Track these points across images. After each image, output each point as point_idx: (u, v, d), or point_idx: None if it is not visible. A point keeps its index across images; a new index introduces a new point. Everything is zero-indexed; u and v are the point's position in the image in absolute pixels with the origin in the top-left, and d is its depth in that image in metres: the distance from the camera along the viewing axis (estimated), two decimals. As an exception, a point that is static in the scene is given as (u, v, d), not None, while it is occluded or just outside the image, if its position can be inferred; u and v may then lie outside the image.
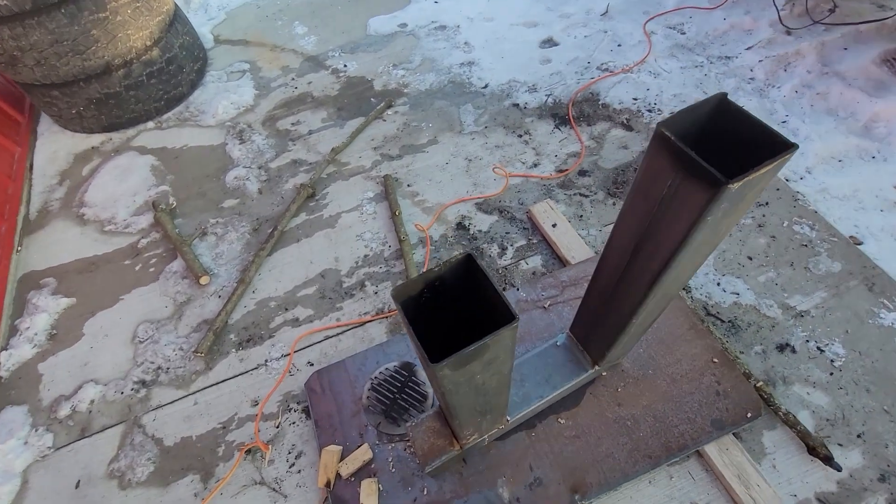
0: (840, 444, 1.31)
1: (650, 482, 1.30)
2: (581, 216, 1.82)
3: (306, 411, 1.50)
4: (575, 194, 1.89)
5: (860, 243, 1.68)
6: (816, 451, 1.26)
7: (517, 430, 1.34)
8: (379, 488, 1.31)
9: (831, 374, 1.41)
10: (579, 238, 1.71)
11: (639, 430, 1.33)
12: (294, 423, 1.49)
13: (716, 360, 1.41)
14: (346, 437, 1.40)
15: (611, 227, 1.75)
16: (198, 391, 1.57)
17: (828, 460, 1.25)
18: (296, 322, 1.68)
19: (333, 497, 1.31)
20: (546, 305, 1.56)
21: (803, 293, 1.56)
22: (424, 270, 0.82)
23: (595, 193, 1.88)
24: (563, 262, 1.70)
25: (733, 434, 1.31)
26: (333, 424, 1.42)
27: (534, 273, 1.70)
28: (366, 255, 1.82)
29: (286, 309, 1.72)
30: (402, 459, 1.35)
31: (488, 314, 0.82)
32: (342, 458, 1.36)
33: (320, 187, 2.04)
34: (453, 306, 0.90)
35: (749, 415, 1.31)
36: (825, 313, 1.52)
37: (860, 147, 1.96)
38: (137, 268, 1.88)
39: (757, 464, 1.29)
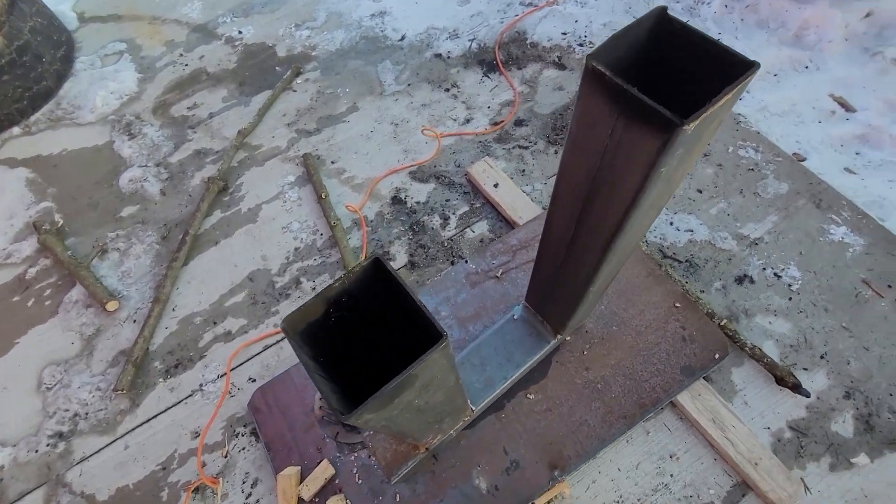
0: (805, 369, 1.30)
1: (627, 441, 1.26)
2: (523, 171, 1.69)
3: (255, 433, 1.35)
4: (514, 147, 1.74)
5: (804, 159, 1.64)
6: (784, 380, 1.25)
7: (485, 415, 1.25)
8: (347, 503, 1.20)
9: (790, 298, 1.39)
10: (524, 195, 1.58)
11: (610, 391, 1.26)
12: (244, 448, 1.33)
13: (678, 304, 1.35)
14: (303, 456, 1.27)
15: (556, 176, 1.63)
16: (127, 433, 1.38)
17: (796, 388, 1.24)
18: (228, 336, 1.49)
19: (298, 523, 1.19)
20: (499, 275, 1.44)
21: (755, 220, 1.52)
22: (330, 283, 0.66)
23: (535, 143, 1.74)
24: (510, 224, 1.58)
25: (703, 378, 1.28)
26: (287, 444, 1.28)
27: (481, 240, 1.57)
28: (296, 249, 1.62)
29: (214, 323, 1.52)
30: (367, 468, 1.24)
31: (413, 328, 0.68)
32: (302, 480, 1.23)
33: (232, 178, 1.80)
34: (373, 325, 0.75)
35: (717, 356, 1.28)
36: (778, 237, 1.48)
37: (793, 58, 1.90)
38: (30, 303, 1.61)
39: (729, 403, 1.26)
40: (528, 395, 1.27)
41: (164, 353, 1.48)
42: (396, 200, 1.67)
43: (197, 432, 1.36)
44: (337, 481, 1.23)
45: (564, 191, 0.79)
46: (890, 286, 1.38)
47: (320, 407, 1.32)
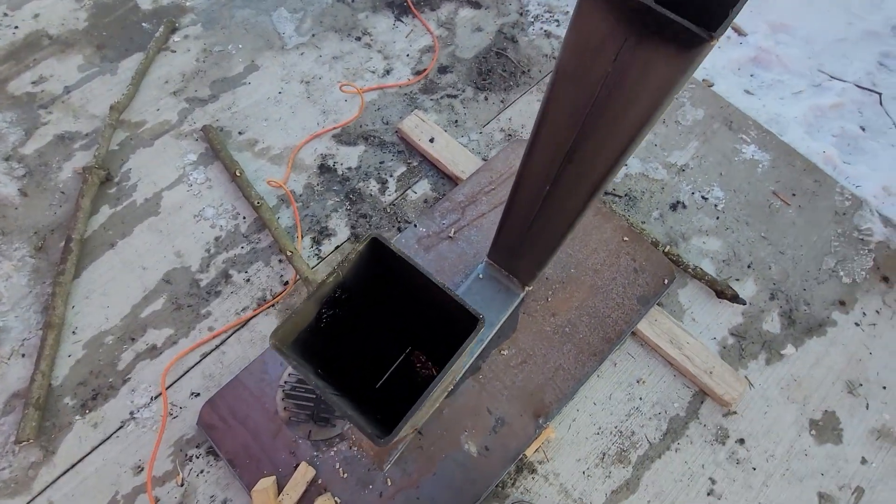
0: (737, 280, 1.43)
1: (598, 376, 1.31)
2: (456, 122, 1.60)
3: (213, 452, 1.19)
4: (442, 97, 1.63)
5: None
6: (724, 293, 1.36)
7: (463, 380, 1.22)
8: (337, 501, 1.12)
9: (717, 217, 1.50)
10: (462, 148, 1.50)
11: (578, 332, 1.29)
12: (203, 471, 1.18)
13: (626, 238, 1.40)
14: (276, 464, 1.15)
15: (492, 125, 1.56)
16: (46, 488, 1.15)
17: (734, 298, 1.36)
18: (154, 351, 1.28)
19: (285, 535, 1.10)
20: (451, 234, 1.38)
21: (679, 147, 1.60)
22: (323, 280, 0.54)
23: (463, 91, 1.65)
24: (453, 180, 1.50)
25: (657, 304, 1.35)
26: (254, 456, 1.16)
27: (426, 201, 1.48)
28: (217, 238, 1.41)
29: (132, 339, 1.29)
30: (351, 460, 1.16)
31: (418, 311, 0.60)
32: (280, 489, 1.12)
33: (115, 165, 1.49)
34: (367, 315, 0.66)
35: (666, 281, 1.35)
36: (700, 162, 1.58)
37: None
38: None
39: (681, 323, 1.36)
40: (502, 352, 1.26)
41: (73, 386, 1.23)
42: (325, 168, 1.50)
43: (140, 466, 1.17)
44: (320, 481, 1.14)
45: (548, 133, 0.73)
46: (794, 194, 1.54)
47: (285, 408, 1.20)
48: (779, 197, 1.54)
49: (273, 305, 1.34)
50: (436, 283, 0.57)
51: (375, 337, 0.77)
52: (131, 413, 1.22)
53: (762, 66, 1.86)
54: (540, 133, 0.76)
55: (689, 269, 1.39)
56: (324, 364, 0.60)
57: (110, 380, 1.25)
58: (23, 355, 1.25)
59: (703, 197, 1.53)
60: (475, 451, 1.18)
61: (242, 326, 1.32)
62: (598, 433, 1.26)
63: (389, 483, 1.14)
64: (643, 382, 1.31)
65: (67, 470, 1.16)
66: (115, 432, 1.20)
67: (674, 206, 1.51)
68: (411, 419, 0.53)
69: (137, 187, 1.46)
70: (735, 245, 1.47)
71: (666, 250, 1.40)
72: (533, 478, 1.21)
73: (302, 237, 1.41)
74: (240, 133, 1.55)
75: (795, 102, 1.75)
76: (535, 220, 0.97)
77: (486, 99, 1.63)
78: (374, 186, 1.49)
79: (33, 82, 1.59)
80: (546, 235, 0.99)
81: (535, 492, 1.20)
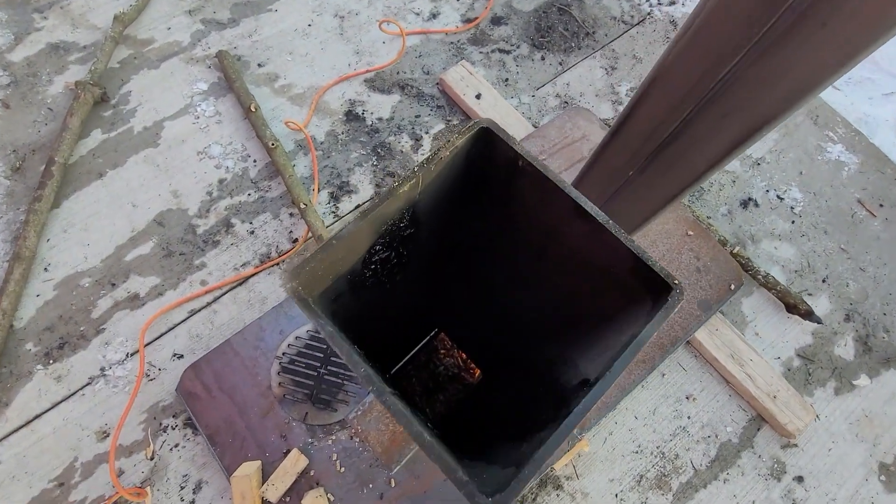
0: (809, 294, 1.24)
1: (643, 387, 1.13)
2: (506, 80, 1.40)
3: (191, 424, 1.03)
4: (493, 51, 1.43)
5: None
6: (797, 307, 1.18)
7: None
8: (329, 499, 0.95)
9: (793, 221, 1.31)
10: (512, 109, 1.31)
11: (627, 333, 1.11)
12: (177, 444, 1.01)
13: (690, 232, 1.21)
14: (263, 447, 0.98)
15: (546, 88, 1.37)
16: (-6, 444, 0.98)
17: (808, 315, 1.17)
18: (135, 301, 1.10)
19: (267, 531, 0.93)
20: (491, 206, 1.19)
21: (757, 138, 1.40)
22: (387, 189, 0.35)
23: (517, 47, 1.45)
24: (498, 145, 1.30)
25: (719, 312, 1.17)
26: (238, 435, 0.99)
27: (464, 165, 1.29)
28: (221, 181, 1.22)
29: (112, 284, 1.11)
30: (350, 453, 0.99)
31: (541, 268, 0.42)
32: (265, 478, 0.96)
33: (113, 84, 1.30)
34: (423, 272, 0.48)
35: (732, 286, 1.17)
36: (779, 156, 1.38)
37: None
38: None
39: (743, 335, 1.17)
40: (539, 346, 1.08)
41: (38, 331, 1.06)
42: (352, 116, 1.31)
43: (106, 432, 1.01)
44: (312, 473, 0.97)
45: (649, 110, 0.55)
46: (882, 205, 1.35)
47: (280, 384, 1.02)
48: (864, 206, 1.34)
49: (278, 264, 1.16)
50: (598, 217, 0.39)
51: (407, 305, 0.59)
52: (102, 369, 1.05)
53: (850, 60, 1.65)
54: (638, 109, 0.57)
55: (759, 277, 1.20)
56: (355, 336, 0.42)
57: (82, 328, 1.07)
58: (-16, 288, 1.08)
59: (778, 196, 1.33)
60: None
61: (240, 284, 1.14)
62: (636, 451, 1.08)
63: (393, 484, 0.97)
64: (693, 399, 1.13)
65: (21, 426, 1.00)
66: (80, 389, 1.03)
67: (745, 204, 1.32)
68: (549, 454, 0.34)
69: (136, 113, 1.27)
70: (810, 255, 1.28)
71: (734, 251, 1.21)
72: (558, 495, 1.04)
73: (319, 190, 1.22)
74: (259, 65, 1.35)
75: (886, 104, 1.55)
76: (605, 207, 0.79)
77: (542, 59, 1.43)
78: (406, 142, 1.30)
79: (29, -19, 1.39)
80: (653, 197, 0.80)
81: (557, 511, 1.03)
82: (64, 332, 1.07)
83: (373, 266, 0.45)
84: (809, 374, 1.18)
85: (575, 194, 0.42)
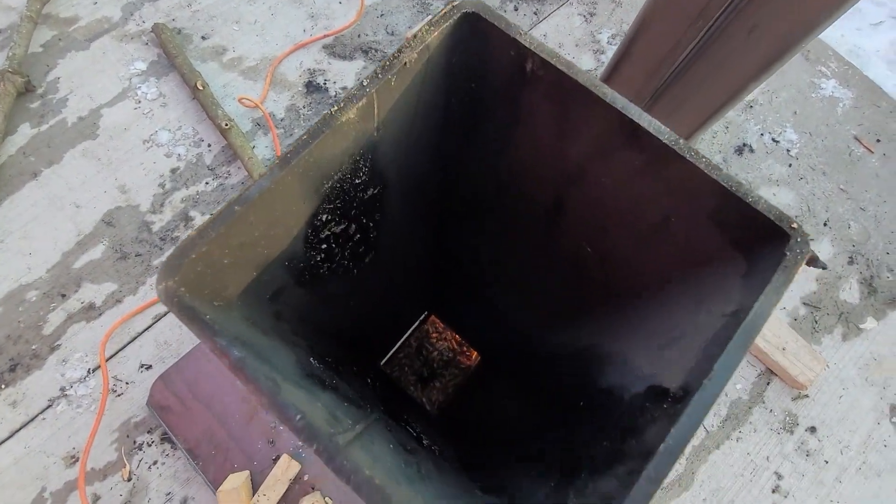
0: (812, 239, 1.19)
1: (648, 350, 1.08)
2: (479, 36, 1.28)
3: (168, 439, 0.94)
4: (462, 5, 1.31)
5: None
6: (801, 255, 1.12)
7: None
8: (328, 503, 0.89)
9: (790, 165, 1.25)
10: (489, 67, 1.20)
11: (628, 297, 1.05)
12: (156, 462, 0.93)
13: (687, 185, 1.14)
14: (250, 456, 0.90)
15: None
16: (-52, 483, 0.88)
17: (813, 261, 1.12)
18: (91, 311, 1.00)
19: (262, 545, 0.86)
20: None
21: (748, 79, 1.32)
22: (315, 125, 0.24)
23: (488, -1, 1.33)
24: (475, 108, 1.20)
25: (722, 265, 1.11)
26: (220, 445, 0.90)
27: (440, 132, 1.19)
28: (174, 170, 1.10)
29: (63, 295, 1.00)
30: (345, 451, 0.92)
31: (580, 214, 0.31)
32: (255, 489, 0.88)
33: (38, 71, 1.15)
34: (403, 242, 0.37)
35: (734, 238, 1.11)
36: (771, 97, 1.31)
37: None
38: None
39: (747, 289, 1.12)
40: (537, 320, 1.01)
41: (-16, 354, 0.95)
42: (313, 87, 1.19)
43: (74, 456, 0.91)
44: (306, 478, 0.90)
45: (640, 58, 0.45)
46: (878, 140, 1.29)
47: (261, 386, 0.93)
48: (861, 143, 1.28)
49: (247, 257, 1.06)
50: (663, 136, 0.26)
51: (388, 291, 0.49)
52: (62, 389, 0.95)
53: (836, -10, 1.56)
54: (641, 36, 0.48)
55: (760, 225, 1.15)
56: (321, 336, 0.33)
57: (34, 347, 0.97)
58: (-86, 313, 0.96)
59: (773, 139, 1.27)
60: (502, 442, 0.94)
61: (207, 282, 1.04)
62: (646, 419, 1.04)
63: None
64: (701, 359, 1.08)
65: (-24, 461, 0.90)
66: (40, 413, 0.93)
67: (739, 150, 1.25)
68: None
69: (68, 102, 1.13)
70: (809, 198, 1.23)
71: (733, 201, 1.15)
72: (568, 471, 0.99)
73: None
74: (203, 38, 1.21)
75: (875, 34, 1.48)
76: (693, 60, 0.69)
77: (515, 9, 1.32)
78: (375, 112, 1.19)
79: (-75, -42, 1.22)
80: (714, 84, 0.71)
81: (569, 488, 0.98)
82: (14, 352, 0.96)
83: (323, 246, 0.31)
84: (816, 322, 1.14)
85: (622, 104, 0.28)
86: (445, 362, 0.95)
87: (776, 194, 1.22)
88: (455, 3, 0.29)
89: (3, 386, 0.94)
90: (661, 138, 0.27)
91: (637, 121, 0.27)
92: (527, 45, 0.27)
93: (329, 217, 0.30)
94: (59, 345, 0.98)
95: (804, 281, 1.16)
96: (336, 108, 0.25)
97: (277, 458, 0.90)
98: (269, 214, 0.26)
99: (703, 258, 0.30)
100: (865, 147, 1.28)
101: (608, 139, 0.29)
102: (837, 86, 1.33)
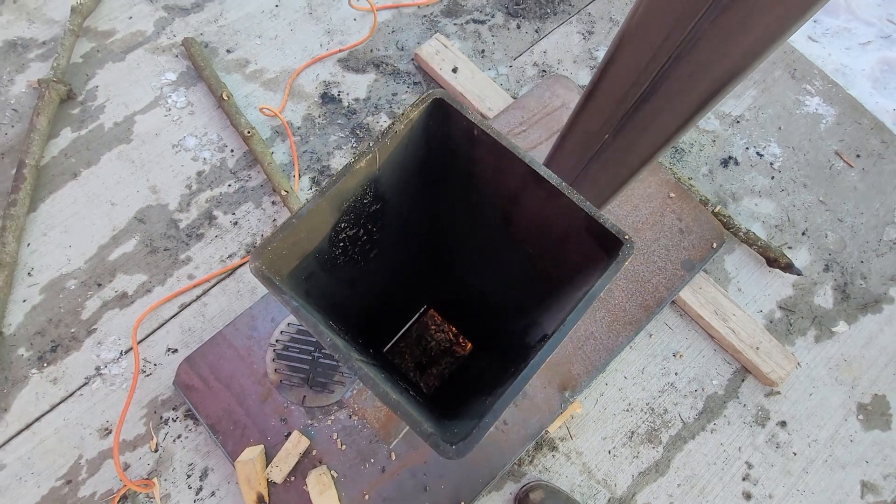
0: (790, 247, 1.27)
1: (631, 348, 1.17)
2: (483, 52, 1.38)
3: (191, 415, 1.05)
4: (468, 22, 1.40)
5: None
6: (777, 261, 1.21)
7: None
8: (333, 475, 0.99)
9: (772, 177, 1.33)
10: (490, 82, 1.29)
11: (612, 298, 1.14)
12: (180, 436, 1.03)
13: (672, 194, 1.22)
14: (265, 432, 1.01)
15: (524, 57, 1.35)
16: (-2, 449, 1.00)
17: (788, 268, 1.20)
18: (124, 299, 1.10)
19: (275, 511, 0.96)
20: (473, 180, 1.19)
21: (735, 96, 1.40)
22: (346, 166, 0.36)
23: (492, 16, 1.42)
24: (477, 119, 1.30)
25: (702, 271, 1.19)
26: (238, 422, 1.01)
27: (444, 141, 1.28)
28: (200, 173, 1.21)
29: (99, 285, 1.11)
30: (350, 430, 1.02)
31: (505, 233, 0.43)
32: (269, 461, 0.98)
33: (78, 81, 1.26)
34: (397, 248, 0.49)
35: (714, 245, 1.19)
36: (758, 113, 1.39)
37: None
38: None
39: (726, 292, 1.20)
40: (528, 316, 1.10)
41: (29, 336, 1.06)
42: (328, 98, 1.29)
43: (108, 428, 1.02)
44: (314, 452, 1.00)
45: (618, 73, 0.54)
46: (858, 155, 1.37)
47: (275, 370, 1.04)
48: (842, 157, 1.36)
49: (264, 253, 1.16)
50: (552, 181, 0.40)
51: (390, 284, 0.60)
52: (97, 368, 1.06)
53: (827, 10, 1.64)
54: (608, 72, 0.57)
55: (740, 234, 1.23)
56: (330, 315, 0.43)
57: (73, 330, 1.08)
58: (-31, 297, 1.07)
59: (758, 153, 1.35)
60: (492, 426, 1.04)
61: (228, 276, 1.14)
62: (627, 410, 1.12)
63: (394, 457, 1.01)
64: (680, 356, 1.17)
65: (23, 430, 1.01)
66: (78, 389, 1.04)
67: (725, 162, 1.33)
68: (506, 405, 0.37)
69: (105, 108, 1.24)
70: (790, 209, 1.31)
71: (715, 211, 1.23)
72: (553, 455, 1.08)
73: (299, 176, 1.21)
74: (228, 51, 1.32)
75: (862, 54, 1.55)
76: (584, 172, 0.79)
77: (518, 27, 1.41)
78: (384, 121, 1.28)
79: (-22, -25, 1.33)
80: (593, 192, 0.82)
81: (554, 471, 1.07)
82: (55, 335, 1.07)
83: (341, 244, 0.45)
84: (791, 325, 1.22)
85: (529, 159, 0.42)
86: (442, 351, 1.05)
87: (758, 205, 1.30)
88: (430, 92, 0.39)
89: (45, 364, 1.05)
90: (551, 181, 0.38)
91: (538, 170, 0.38)
92: (473, 120, 0.38)
93: (345, 225, 0.41)
94: (95, 329, 1.08)
95: (781, 286, 1.24)
96: (353, 159, 0.36)
97: (289, 434, 1.00)
98: (309, 224, 0.37)
99: (587, 257, 0.41)
100: (846, 162, 1.36)
101: (524, 179, 0.40)
102: (821, 103, 1.40)
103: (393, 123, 0.39)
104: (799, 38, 1.51)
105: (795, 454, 1.12)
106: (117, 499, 0.98)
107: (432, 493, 0.98)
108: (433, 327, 1.04)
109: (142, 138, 1.23)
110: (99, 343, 1.07)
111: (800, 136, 1.37)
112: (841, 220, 1.31)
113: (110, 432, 1.02)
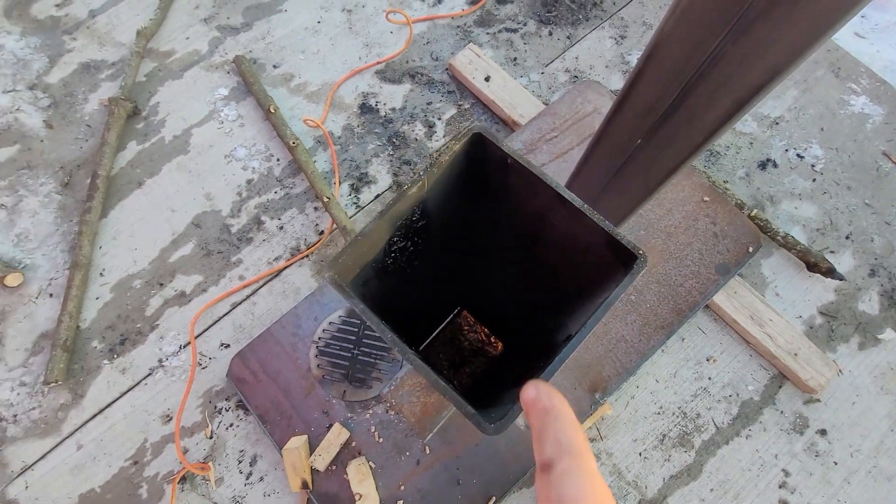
0: (832, 251, 1.24)
1: (663, 351, 1.17)
2: (515, 59, 1.41)
3: (242, 406, 1.13)
4: (500, 31, 1.44)
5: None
6: (818, 266, 1.18)
7: (515, 347, 1.10)
8: (371, 466, 1.05)
9: (814, 179, 1.30)
10: (522, 89, 1.33)
11: (644, 301, 1.15)
12: (232, 424, 1.12)
13: (706, 198, 1.22)
14: (308, 423, 1.08)
15: (556, 64, 1.38)
16: (75, 431, 1.11)
17: (830, 272, 1.17)
18: (182, 298, 1.21)
19: (317, 497, 1.03)
20: (505, 186, 1.22)
21: (774, 97, 1.37)
22: (400, 191, 0.42)
23: (524, 24, 1.45)
24: (509, 126, 1.33)
25: (738, 275, 1.18)
26: (285, 413, 1.08)
27: (477, 148, 1.32)
28: (249, 181, 1.30)
29: (161, 284, 1.22)
30: (387, 424, 1.08)
31: (534, 247, 0.48)
32: (312, 450, 1.05)
33: (142, 98, 1.38)
34: (438, 256, 0.54)
35: (750, 249, 1.18)
36: (798, 114, 1.36)
37: None
38: None
39: (763, 297, 1.19)
40: (558, 319, 1.13)
41: (101, 330, 1.18)
42: (366, 108, 1.36)
43: (168, 416, 1.12)
44: (354, 444, 1.06)
45: (651, 80, 0.57)
46: (908, 156, 1.31)
47: (318, 366, 1.11)
48: (890, 158, 1.31)
49: (307, 256, 1.24)
50: (575, 203, 0.45)
51: (428, 287, 0.66)
52: (160, 361, 1.16)
53: (875, 6, 1.57)
54: (637, 81, 0.60)
55: (778, 238, 1.21)
56: (383, 315, 0.49)
57: (138, 325, 1.18)
58: (50, 295, 1.20)
59: (798, 155, 1.32)
60: (523, 425, 1.07)
61: (275, 277, 1.23)
62: (658, 413, 1.13)
63: (428, 451, 1.06)
64: (714, 361, 1.16)
65: (96, 414, 1.12)
66: (143, 379, 1.15)
67: (763, 165, 1.31)
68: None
69: (166, 123, 1.36)
70: (832, 212, 1.27)
71: (752, 214, 1.22)
72: (584, 456, 1.10)
73: (339, 183, 1.29)
74: (274, 66, 1.41)
75: (915, 48, 1.48)
76: (614, 179, 0.82)
77: (550, 34, 1.43)
78: (419, 130, 1.34)
79: (56, 5, 1.48)
80: (624, 198, 0.84)
81: (584, 471, 1.09)
82: (123, 329, 1.18)
83: (393, 255, 0.51)
84: (832, 331, 1.19)
85: (555, 184, 0.47)
86: (475, 351, 1.09)
87: (798, 208, 1.28)
88: (470, 127, 0.44)
89: (115, 356, 1.16)
90: (574, 204, 0.42)
91: (562, 194, 0.42)
92: (506, 151, 0.43)
93: (397, 239, 0.47)
94: (158, 324, 1.19)
95: (822, 291, 1.21)
96: (407, 186, 0.41)
97: (330, 426, 1.07)
98: (369, 240, 0.43)
99: (607, 270, 0.44)
100: (894, 162, 1.31)
101: (550, 201, 0.44)
102: (868, 102, 1.36)
103: (440, 155, 0.44)
104: (844, 35, 1.47)
105: (836, 463, 1.10)
106: (178, 479, 1.07)
107: (464, 486, 1.03)
108: (466, 328, 1.09)
109: (198, 149, 1.33)
110: (161, 337, 1.18)
111: (844, 136, 1.33)
112: (889, 224, 1.26)
113: (171, 419, 1.12)
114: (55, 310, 1.18)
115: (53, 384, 1.12)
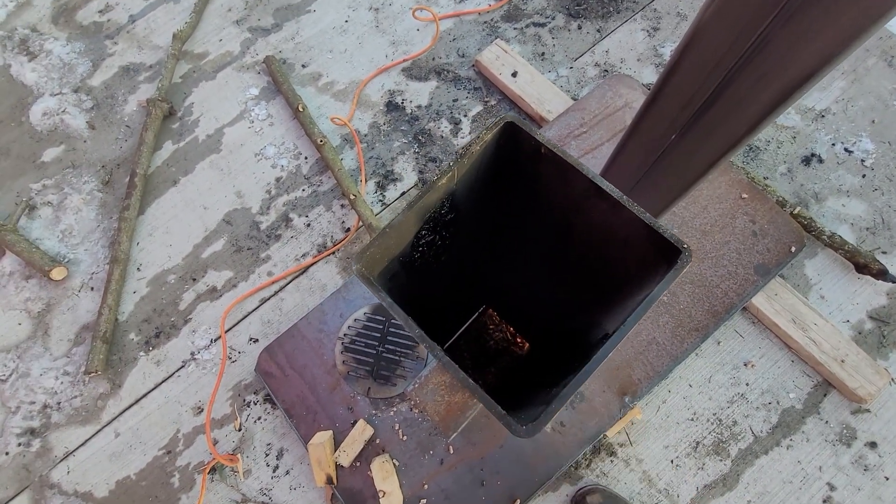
0: (883, 252, 1.16)
1: (697, 355, 1.12)
2: (543, 54, 1.38)
3: (270, 399, 1.15)
4: (527, 26, 1.42)
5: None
6: (868, 267, 1.11)
7: (541, 347, 1.08)
8: (395, 464, 1.04)
9: (863, 175, 1.22)
10: (550, 84, 1.30)
11: (678, 303, 1.10)
12: (259, 417, 1.14)
13: (744, 195, 1.16)
14: (333, 418, 1.08)
15: (585, 58, 1.34)
16: (113, 419, 1.15)
17: (882, 274, 1.10)
18: (214, 293, 1.24)
19: (342, 493, 1.04)
20: (532, 183, 1.20)
21: (820, 88, 1.30)
22: (430, 183, 0.41)
23: (552, 18, 1.42)
24: (537, 122, 1.31)
25: (779, 276, 1.12)
26: (310, 408, 1.09)
27: (503, 145, 1.30)
28: (278, 179, 1.32)
29: (194, 279, 1.25)
30: (411, 422, 1.07)
31: (568, 241, 0.46)
32: (337, 446, 1.06)
33: (178, 98, 1.42)
34: (465, 252, 0.52)
35: (793, 249, 1.12)
36: (846, 106, 1.28)
37: None
38: (-49, 282, 1.29)
39: (806, 299, 1.13)
40: (586, 319, 1.10)
41: (138, 323, 1.22)
42: (392, 106, 1.36)
43: (200, 407, 1.15)
44: (378, 441, 1.06)
45: (688, 72, 0.54)
46: (972, 150, 1.22)
47: (343, 362, 1.12)
48: (950, 152, 1.22)
49: (333, 253, 1.25)
50: (614, 194, 0.43)
51: (454, 285, 0.64)
52: (192, 354, 1.19)
53: (934, -13, 1.47)
54: (674, 74, 0.57)
55: (824, 237, 1.14)
56: (409, 310, 0.48)
57: (172, 319, 1.22)
58: (91, 288, 1.25)
59: (846, 150, 1.24)
60: (549, 427, 1.05)
61: (302, 273, 1.24)
62: (692, 419, 1.09)
63: (451, 451, 1.05)
64: (752, 366, 1.11)
65: (133, 404, 1.16)
66: (176, 371, 1.18)
67: (807, 160, 1.24)
68: (571, 394, 0.40)
69: (199, 122, 1.39)
70: (884, 210, 1.19)
71: (794, 212, 1.15)
72: (612, 461, 1.07)
73: (366, 180, 1.29)
74: (303, 66, 1.43)
75: (979, 33, 1.37)
76: (647, 175, 0.79)
77: (579, 28, 1.40)
78: (445, 127, 1.33)
79: (99, 11, 1.54)
80: (657, 194, 0.81)
81: (612, 476, 1.06)
82: (158, 322, 1.22)
83: (420, 249, 0.50)
84: (884, 337, 1.11)
85: (592, 175, 0.44)
86: (500, 351, 1.07)
87: (846, 205, 1.20)
88: (503, 116, 0.43)
89: (150, 348, 1.20)
90: (613, 195, 0.39)
91: (600, 184, 0.40)
92: (540, 140, 0.41)
93: (425, 232, 0.47)
94: (191, 318, 1.22)
95: (873, 294, 1.13)
96: (437, 177, 0.41)
97: (355, 422, 1.07)
98: (398, 232, 0.43)
99: (646, 264, 0.42)
100: (955, 156, 1.22)
101: (587, 192, 0.42)
102: (925, 92, 1.27)
103: (470, 145, 0.43)
104: (899, 22, 1.37)
105: (888, 479, 1.03)
106: (208, 470, 1.10)
107: (489, 488, 1.01)
108: (491, 326, 1.07)
109: (229, 148, 1.36)
110: (193, 331, 1.21)
111: (898, 129, 1.25)
112: (949, 223, 1.18)
113: (202, 411, 1.15)
114: (96, 303, 1.23)
115: (94, 374, 1.17)
